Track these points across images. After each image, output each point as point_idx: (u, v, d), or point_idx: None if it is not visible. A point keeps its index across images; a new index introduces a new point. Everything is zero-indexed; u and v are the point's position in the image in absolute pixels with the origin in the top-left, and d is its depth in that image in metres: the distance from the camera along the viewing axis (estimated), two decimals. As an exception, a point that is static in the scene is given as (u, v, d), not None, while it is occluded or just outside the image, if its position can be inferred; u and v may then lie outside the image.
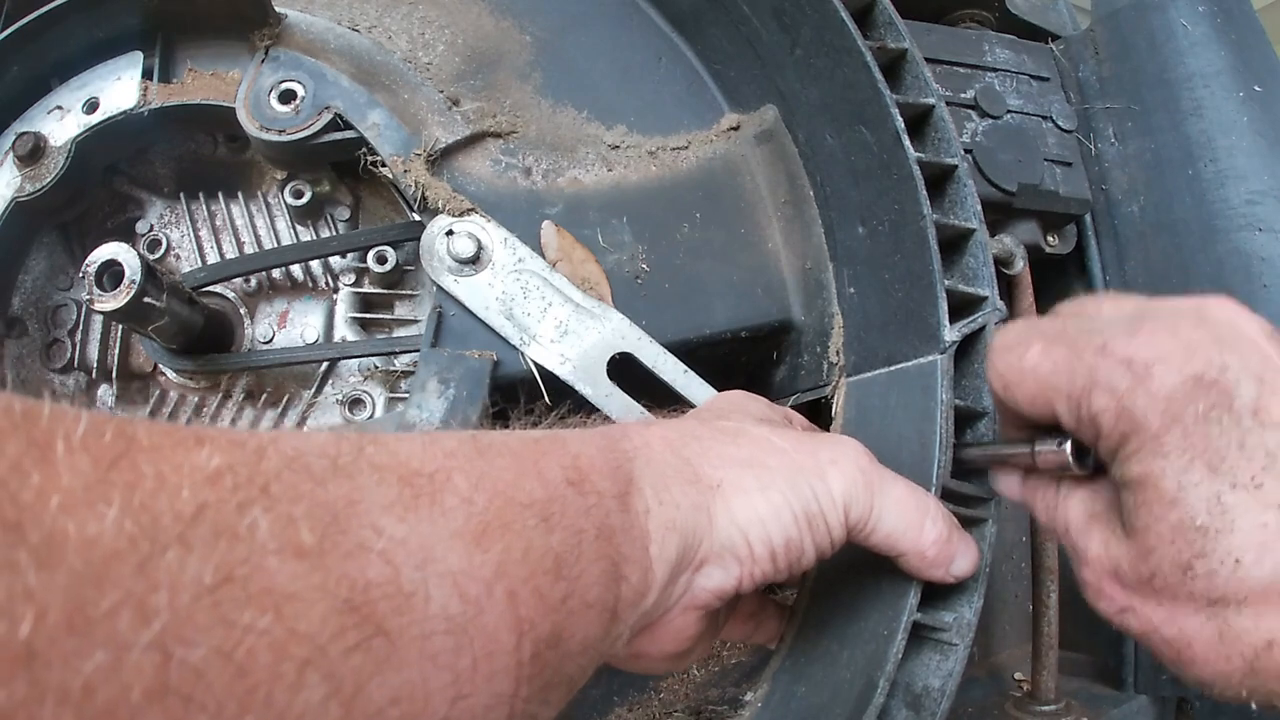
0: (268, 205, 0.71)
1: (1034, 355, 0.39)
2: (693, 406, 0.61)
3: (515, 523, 0.29)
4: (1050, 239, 0.80)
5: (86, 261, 0.55)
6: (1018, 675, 0.73)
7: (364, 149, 0.62)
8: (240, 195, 0.71)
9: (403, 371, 0.67)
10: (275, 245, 0.70)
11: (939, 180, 0.58)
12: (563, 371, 0.60)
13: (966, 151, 0.70)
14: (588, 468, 0.34)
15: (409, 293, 0.70)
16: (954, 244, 0.57)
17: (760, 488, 0.40)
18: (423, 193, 0.61)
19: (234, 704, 0.20)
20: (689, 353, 0.63)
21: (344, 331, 0.68)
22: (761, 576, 0.40)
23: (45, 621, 0.18)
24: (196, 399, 0.67)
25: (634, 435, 0.40)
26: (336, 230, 0.71)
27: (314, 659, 0.22)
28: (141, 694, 0.19)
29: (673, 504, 0.37)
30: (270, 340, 0.68)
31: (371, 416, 0.65)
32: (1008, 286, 0.76)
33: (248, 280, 0.69)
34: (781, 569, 0.41)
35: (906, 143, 0.55)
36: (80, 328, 0.68)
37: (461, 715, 0.26)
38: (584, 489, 0.33)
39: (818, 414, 0.64)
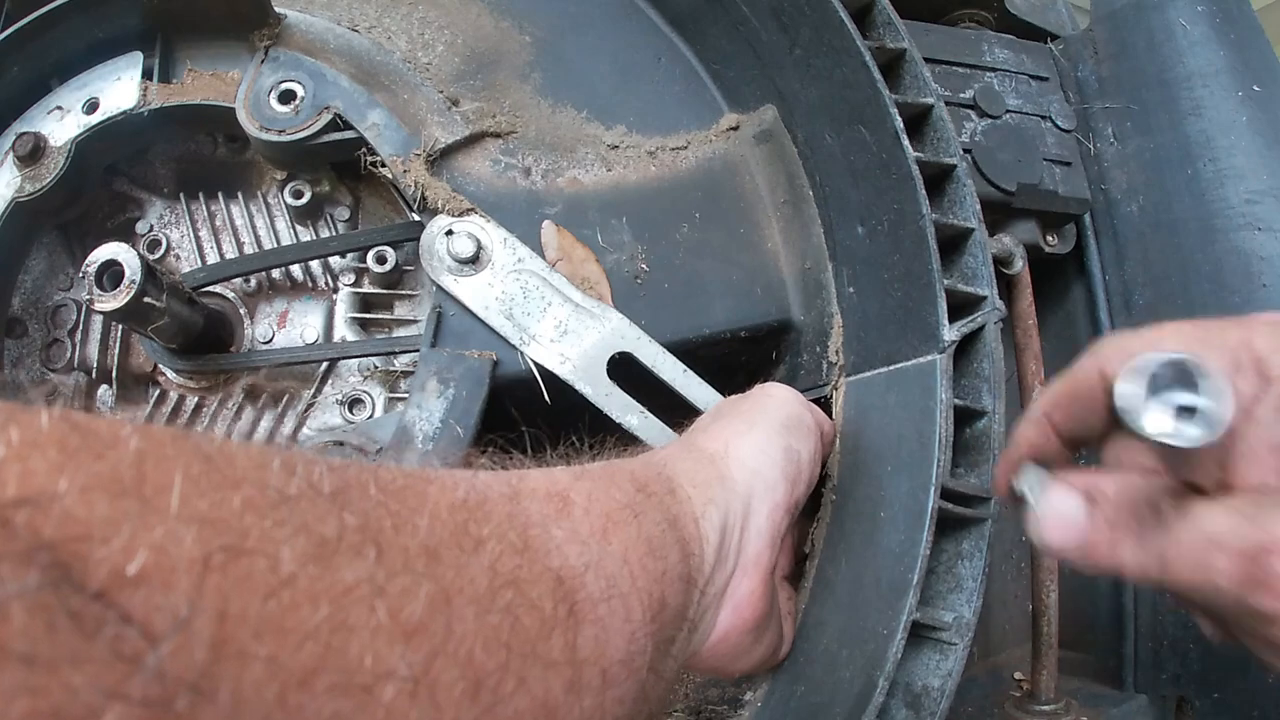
0: (268, 205, 0.71)
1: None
2: (692, 406, 0.61)
3: (622, 521, 0.39)
4: (1049, 239, 0.80)
5: (86, 261, 0.55)
6: (1018, 675, 0.72)
7: (364, 149, 0.62)
8: (240, 195, 0.71)
9: (402, 371, 0.67)
10: (275, 245, 0.70)
11: (938, 180, 0.58)
12: (563, 371, 0.60)
13: (965, 151, 0.69)
14: (643, 479, 0.44)
15: (409, 293, 0.70)
16: (953, 243, 0.57)
17: (748, 426, 0.51)
18: (422, 193, 0.61)
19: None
20: (688, 352, 0.63)
21: (344, 331, 0.68)
22: (785, 501, 0.49)
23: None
24: (196, 399, 0.67)
25: (656, 452, 0.50)
26: (336, 230, 0.71)
27: (555, 620, 0.31)
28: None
29: (705, 486, 0.47)
30: (270, 340, 0.68)
31: (371, 416, 0.65)
32: (1007, 286, 0.76)
33: (248, 280, 0.69)
34: (790, 475, 0.50)
35: (905, 142, 0.55)
36: (80, 328, 0.68)
37: (633, 657, 0.36)
38: (648, 492, 0.43)
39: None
